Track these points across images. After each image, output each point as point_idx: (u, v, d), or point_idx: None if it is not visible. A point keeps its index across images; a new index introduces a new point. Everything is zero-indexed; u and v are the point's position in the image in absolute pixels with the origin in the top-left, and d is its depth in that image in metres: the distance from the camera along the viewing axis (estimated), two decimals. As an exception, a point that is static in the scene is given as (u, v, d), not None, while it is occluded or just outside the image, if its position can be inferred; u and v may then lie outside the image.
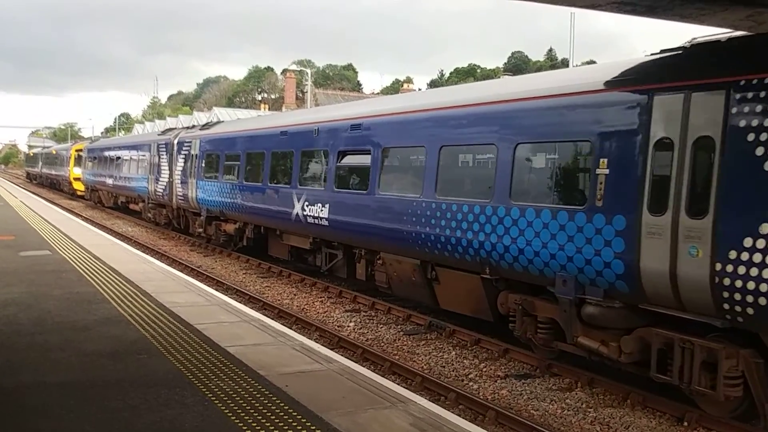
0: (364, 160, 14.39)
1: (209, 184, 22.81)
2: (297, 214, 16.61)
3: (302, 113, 20.99)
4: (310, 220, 16.07)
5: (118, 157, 36.28)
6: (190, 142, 25.12)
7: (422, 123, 12.84)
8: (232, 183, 21.01)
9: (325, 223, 15.44)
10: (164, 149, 28.02)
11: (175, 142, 26.80)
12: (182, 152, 25.79)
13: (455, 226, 11.49)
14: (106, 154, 39.66)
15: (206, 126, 26.07)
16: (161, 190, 28.20)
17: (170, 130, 31.13)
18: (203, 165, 23.61)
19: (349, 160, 15.20)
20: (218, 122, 27.67)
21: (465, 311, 12.30)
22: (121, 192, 36.27)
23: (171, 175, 26.80)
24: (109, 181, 38.22)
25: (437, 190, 12.11)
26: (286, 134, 18.00)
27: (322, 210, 15.50)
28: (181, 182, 25.55)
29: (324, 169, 15.94)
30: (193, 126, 29.18)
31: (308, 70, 61.03)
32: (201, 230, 24.21)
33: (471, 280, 11.61)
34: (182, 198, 25.57)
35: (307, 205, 16.14)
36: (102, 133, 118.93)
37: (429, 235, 12.11)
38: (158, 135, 30.82)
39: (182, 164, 25.58)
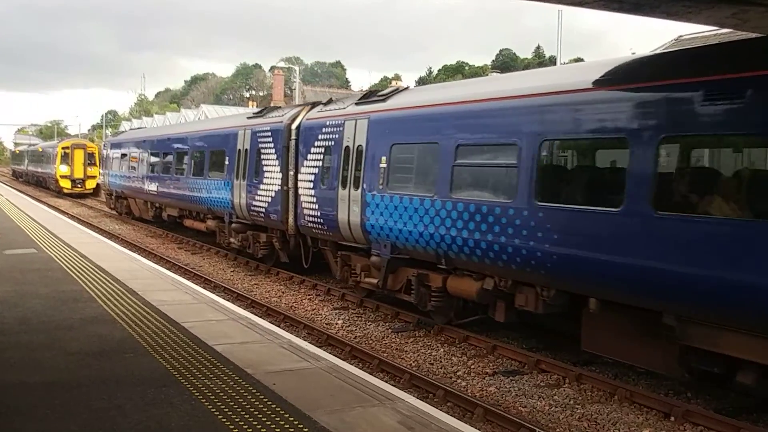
0: None
1: (403, 203, 12.81)
2: None
3: None
4: None
5: (167, 153, 26.43)
6: (340, 125, 15.23)
7: None
8: (488, 203, 10.92)
9: None
10: (268, 139, 18.25)
11: (294, 127, 17.17)
12: (317, 144, 16.11)
13: None
14: (145, 149, 29.20)
15: (372, 97, 14.97)
16: (262, 205, 18.34)
17: (272, 109, 20.66)
18: (382, 166, 13.55)
19: None
20: (398, 89, 15.16)
21: None
22: (174, 203, 25.69)
23: (286, 181, 17.14)
24: (151, 186, 27.64)
25: None
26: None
27: None
28: (316, 194, 15.92)
29: None
30: (330, 101, 17.26)
31: (296, 68, 60.97)
32: (375, 281, 14.01)
33: None
34: (316, 220, 15.91)
35: None
36: (89, 130, 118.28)
37: None
38: (249, 118, 20.38)
39: (316, 164, 16.08)
